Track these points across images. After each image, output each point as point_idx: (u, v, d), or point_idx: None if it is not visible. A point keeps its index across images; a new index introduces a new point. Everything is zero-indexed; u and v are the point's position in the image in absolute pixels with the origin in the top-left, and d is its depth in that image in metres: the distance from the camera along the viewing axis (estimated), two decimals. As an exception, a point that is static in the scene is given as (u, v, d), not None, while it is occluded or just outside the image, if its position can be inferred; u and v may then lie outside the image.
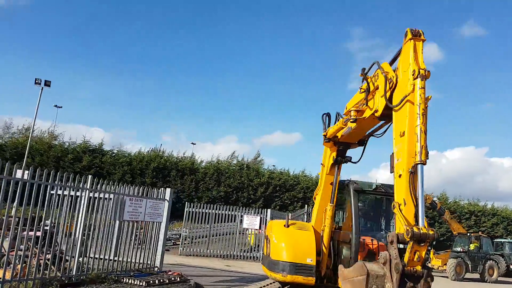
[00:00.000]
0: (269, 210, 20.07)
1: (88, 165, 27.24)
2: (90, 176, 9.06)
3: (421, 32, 4.38)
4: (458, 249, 21.10)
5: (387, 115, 4.90)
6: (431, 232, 3.90)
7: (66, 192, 8.92)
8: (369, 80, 5.19)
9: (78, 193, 8.84)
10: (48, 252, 8.09)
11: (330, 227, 6.73)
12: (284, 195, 28.78)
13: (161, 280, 9.16)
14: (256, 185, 29.27)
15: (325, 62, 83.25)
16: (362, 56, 79.87)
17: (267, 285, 8.05)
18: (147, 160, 28.40)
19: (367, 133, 6.15)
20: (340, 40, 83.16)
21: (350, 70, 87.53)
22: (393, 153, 4.52)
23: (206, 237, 18.57)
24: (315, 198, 7.55)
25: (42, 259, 7.78)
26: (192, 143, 58.92)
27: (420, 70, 4.17)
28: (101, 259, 9.63)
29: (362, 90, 5.29)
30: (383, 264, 3.99)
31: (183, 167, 28.83)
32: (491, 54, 77.39)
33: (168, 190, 11.30)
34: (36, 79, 27.42)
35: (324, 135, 6.68)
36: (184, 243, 18.10)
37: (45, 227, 8.25)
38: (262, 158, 39.39)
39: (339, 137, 6.42)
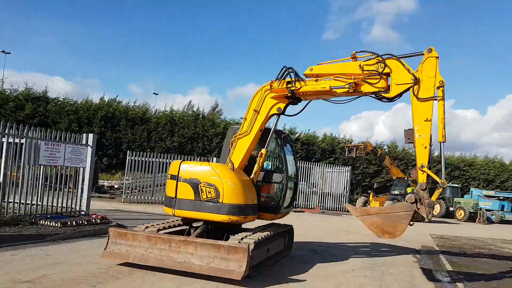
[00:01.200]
0: (214, 159, 20.33)
1: (31, 114, 26.08)
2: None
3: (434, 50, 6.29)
4: (396, 192, 22.32)
5: (388, 98, 6.59)
6: (446, 182, 6.12)
7: None
8: (376, 62, 6.45)
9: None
10: None
11: (260, 170, 7.12)
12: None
13: (79, 222, 9.23)
14: (211, 136, 29.21)
15: (300, 12, 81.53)
16: (337, 5, 78.48)
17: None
18: (94, 108, 27.50)
19: (332, 98, 7.01)
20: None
21: (324, 20, 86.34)
22: (411, 130, 6.24)
23: (150, 186, 18.68)
24: (234, 142, 7.60)
25: None
26: (154, 93, 57.22)
27: (443, 81, 6.13)
28: (27, 204, 9.57)
29: (367, 68, 6.48)
30: (412, 203, 6.03)
31: (134, 117, 28.20)
32: (461, 6, 77.95)
33: (91, 135, 11.08)
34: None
35: (288, 87, 6.84)
36: (128, 192, 18.16)
37: None
38: (221, 108, 38.97)
39: (301, 94, 6.93)
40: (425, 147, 6.06)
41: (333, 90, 6.60)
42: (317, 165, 24.37)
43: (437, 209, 27.57)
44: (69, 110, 27.04)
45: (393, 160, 32.33)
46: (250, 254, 5.50)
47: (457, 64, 79.32)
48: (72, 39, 74.91)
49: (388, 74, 6.44)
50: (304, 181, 23.43)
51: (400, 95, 6.47)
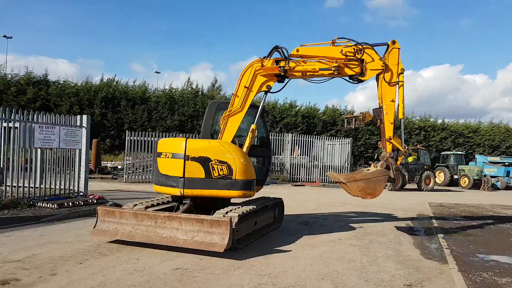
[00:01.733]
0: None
1: (33, 98, 26.27)
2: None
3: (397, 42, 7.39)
4: (397, 162, 22.30)
5: (359, 80, 7.53)
6: (406, 150, 7.58)
7: None
8: (354, 49, 7.25)
9: None
10: None
11: (250, 145, 7.25)
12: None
13: (76, 203, 9.44)
14: (211, 112, 29.25)
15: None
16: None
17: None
18: (94, 90, 27.57)
19: (313, 78, 7.61)
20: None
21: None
22: (379, 108, 7.39)
23: (151, 166, 18.89)
24: (225, 118, 7.63)
25: None
26: (156, 72, 56.80)
27: (403, 69, 7.34)
28: (25, 187, 9.80)
29: (350, 55, 7.25)
30: (385, 169, 7.30)
31: (134, 96, 28.25)
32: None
33: (84, 116, 11.17)
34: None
35: (281, 67, 7.14)
36: (129, 172, 18.42)
37: None
38: (220, 84, 38.77)
39: (291, 73, 7.34)
40: (391, 123, 7.30)
41: (321, 71, 7.27)
42: (318, 138, 24.36)
43: (440, 177, 27.62)
44: (69, 92, 27.15)
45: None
46: (234, 227, 5.65)
47: (465, 26, 77.37)
48: (73, 20, 74.47)
49: (363, 60, 7.30)
50: (305, 155, 23.50)
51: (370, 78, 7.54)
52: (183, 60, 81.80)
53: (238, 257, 5.58)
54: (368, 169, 7.56)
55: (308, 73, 7.37)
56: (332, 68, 7.18)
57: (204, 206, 6.87)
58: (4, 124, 9.10)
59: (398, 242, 7.28)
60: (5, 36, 41.20)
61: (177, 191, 6.49)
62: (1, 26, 73.57)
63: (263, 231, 7.20)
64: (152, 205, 6.82)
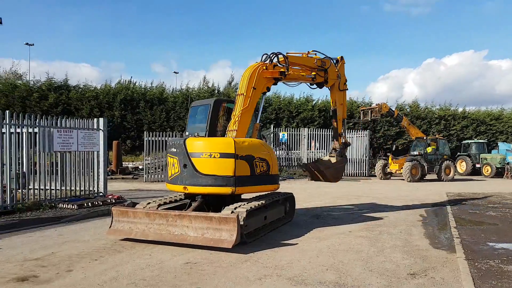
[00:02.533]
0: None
1: (54, 103, 27.10)
2: (7, 112, 9.22)
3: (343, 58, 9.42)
4: (415, 152, 22.03)
5: (320, 86, 9.05)
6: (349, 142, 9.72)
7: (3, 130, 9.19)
8: (322, 61, 8.76)
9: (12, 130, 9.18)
10: None
11: None
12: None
13: (95, 203, 9.82)
14: (228, 110, 29.50)
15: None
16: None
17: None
18: (113, 93, 28.20)
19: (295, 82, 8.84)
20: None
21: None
22: (334, 110, 9.39)
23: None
24: (238, 116, 7.84)
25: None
26: (174, 72, 57.80)
27: (346, 79, 9.48)
28: (47, 189, 10.25)
29: (320, 64, 8.71)
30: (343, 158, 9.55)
31: (151, 97, 28.75)
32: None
33: (101, 119, 11.55)
34: (-14, 18, 26.20)
35: (282, 71, 7.85)
36: (148, 172, 18.86)
37: None
38: (237, 82, 38.94)
39: (287, 77, 8.14)
40: (342, 121, 9.35)
41: (307, 77, 8.59)
42: (335, 132, 24.21)
43: (462, 167, 27.09)
44: (89, 96, 27.86)
45: (416, 119, 31.72)
46: (242, 222, 5.83)
47: (489, 10, 74.97)
48: (94, 24, 76.13)
49: (327, 71, 8.80)
50: (323, 149, 23.46)
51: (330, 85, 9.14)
52: (203, 59, 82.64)
53: (246, 251, 5.75)
54: (329, 159, 9.38)
55: (298, 78, 8.50)
56: (312, 75, 8.54)
57: (214, 202, 7.06)
58: (25, 129, 9.52)
59: (408, 233, 7.30)
60: (27, 44, 42.69)
61: (228, 190, 6.54)
62: (24, 34, 75.94)
63: (273, 225, 7.35)
64: (165, 203, 7.06)
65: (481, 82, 70.96)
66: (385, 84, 71.10)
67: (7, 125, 9.06)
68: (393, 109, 22.57)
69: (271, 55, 7.90)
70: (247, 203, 6.55)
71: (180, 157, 6.73)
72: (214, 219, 5.78)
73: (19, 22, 70.02)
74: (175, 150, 6.89)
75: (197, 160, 6.59)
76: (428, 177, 21.93)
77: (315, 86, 9.01)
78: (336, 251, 5.89)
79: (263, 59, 7.93)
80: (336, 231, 7.32)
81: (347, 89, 9.54)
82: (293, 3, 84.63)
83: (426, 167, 21.04)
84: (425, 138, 22.51)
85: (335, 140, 9.54)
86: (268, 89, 8.01)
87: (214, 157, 6.52)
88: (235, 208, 6.22)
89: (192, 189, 6.68)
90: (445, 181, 21.25)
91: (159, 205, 6.88)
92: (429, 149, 21.87)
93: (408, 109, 33.23)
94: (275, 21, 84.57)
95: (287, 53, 8.10)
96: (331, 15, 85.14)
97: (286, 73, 7.83)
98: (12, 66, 39.60)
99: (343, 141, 9.51)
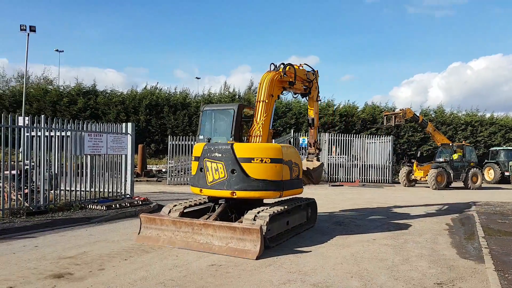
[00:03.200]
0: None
1: (83, 107, 27.97)
2: (43, 116, 9.62)
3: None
4: (441, 159, 21.60)
5: (304, 95, 9.55)
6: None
7: (34, 133, 9.63)
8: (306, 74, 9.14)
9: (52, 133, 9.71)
10: (25, 187, 9.01)
11: None
12: (276, 122, 29.26)
13: (123, 204, 10.11)
14: (248, 115, 29.76)
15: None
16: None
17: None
18: (139, 98, 28.89)
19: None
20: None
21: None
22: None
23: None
24: (263, 121, 8.01)
25: (14, 193, 8.75)
26: (196, 78, 58.98)
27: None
28: (77, 190, 10.62)
29: (308, 76, 9.21)
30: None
31: (175, 103, 29.29)
32: None
33: (129, 124, 11.89)
34: (21, 25, 27.28)
35: (290, 81, 8.30)
36: (172, 175, 19.21)
37: (25, 167, 9.24)
38: (256, 86, 39.25)
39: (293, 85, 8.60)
40: (316, 128, 9.78)
41: (302, 88, 9.13)
42: (357, 137, 24.05)
43: (490, 175, 26.34)
44: (116, 101, 28.62)
45: (441, 125, 31.07)
46: (266, 226, 5.92)
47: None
48: (119, 31, 78.16)
49: (311, 82, 9.34)
50: (344, 155, 23.31)
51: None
52: (223, 64, 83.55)
53: (269, 255, 5.82)
54: (312, 163, 9.50)
55: (296, 88, 8.79)
56: (305, 86, 9.16)
57: (237, 206, 7.16)
58: (58, 133, 9.92)
59: (434, 242, 7.22)
60: (57, 50, 44.22)
61: (277, 194, 6.81)
62: (55, 41, 78.65)
63: (295, 230, 7.40)
64: (190, 206, 7.22)
65: (510, 86, 68.87)
66: (409, 88, 70.09)
67: (43, 129, 9.47)
68: (418, 114, 22.23)
69: (281, 66, 8.29)
70: (269, 208, 6.63)
71: (228, 162, 6.65)
72: (238, 229, 5.85)
73: (50, 30, 72.87)
74: (219, 155, 6.75)
75: (248, 165, 6.61)
76: (454, 185, 21.46)
77: (297, 95, 9.56)
78: (360, 259, 5.89)
79: (271, 68, 8.31)
80: (360, 239, 7.31)
81: (320, 100, 10.39)
82: (314, 7, 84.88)
83: (452, 175, 20.60)
84: (451, 144, 22.06)
85: (311, 146, 9.81)
86: (279, 97, 8.50)
87: (265, 162, 6.65)
88: (258, 213, 6.30)
89: (241, 194, 6.61)
90: (472, 189, 20.74)
91: (185, 207, 7.05)
92: (455, 156, 21.41)
93: (433, 115, 32.59)
94: (294, 25, 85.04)
95: (289, 63, 8.51)
96: (354, 18, 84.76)
97: (294, 83, 8.38)
98: (43, 72, 41.11)
99: (317, 147, 10.01)
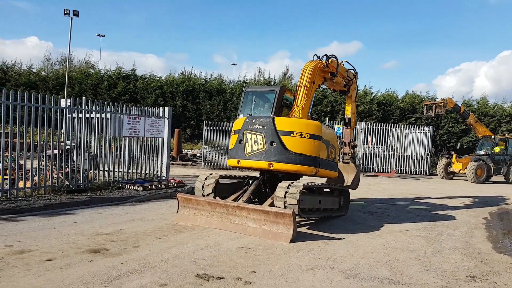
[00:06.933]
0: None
1: (122, 91, 28.86)
2: (84, 98, 10.04)
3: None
4: (481, 152, 20.70)
5: (343, 93, 9.48)
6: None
7: (75, 115, 10.11)
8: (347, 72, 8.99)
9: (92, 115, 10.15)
10: (66, 166, 9.52)
11: None
12: (312, 109, 28.93)
13: (158, 186, 10.44)
14: (284, 101, 29.63)
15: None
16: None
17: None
18: (176, 83, 29.41)
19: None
20: None
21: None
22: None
23: (225, 154, 19.84)
24: (303, 105, 8.09)
25: (55, 172, 9.25)
26: (232, 64, 59.35)
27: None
28: (115, 171, 11.07)
29: (347, 78, 9.03)
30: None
31: (211, 89, 29.61)
32: None
33: (167, 108, 12.19)
34: (65, 10, 28.28)
35: (332, 72, 8.22)
36: (206, 159, 19.57)
37: (67, 147, 9.76)
38: (292, 73, 38.86)
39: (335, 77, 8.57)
40: (352, 129, 9.64)
41: (343, 84, 9.02)
42: (395, 127, 23.41)
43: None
44: (154, 86, 29.31)
45: (484, 116, 29.67)
46: (299, 195, 6.06)
47: None
48: (160, 17, 79.55)
49: (351, 80, 9.19)
50: (380, 144, 22.81)
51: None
52: (262, 50, 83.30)
53: (299, 241, 5.87)
54: (348, 164, 9.16)
55: (336, 82, 8.69)
56: (345, 82, 9.07)
57: (272, 181, 7.20)
58: (98, 116, 10.34)
59: (470, 235, 7.00)
60: (98, 35, 45.68)
61: (313, 170, 6.74)
62: (97, 26, 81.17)
63: (327, 213, 7.46)
64: (226, 176, 7.42)
65: None
66: (454, 77, 66.98)
67: (84, 111, 9.89)
68: (459, 104, 21.32)
69: (323, 56, 8.19)
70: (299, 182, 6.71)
71: (268, 134, 6.72)
72: (271, 213, 5.90)
73: (92, 15, 75.27)
74: (259, 127, 6.83)
75: (287, 138, 6.67)
76: (494, 179, 20.55)
77: (336, 92, 9.55)
78: (391, 249, 5.82)
79: (314, 59, 8.21)
80: (392, 229, 7.20)
81: (358, 102, 10.32)
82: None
83: (492, 168, 19.72)
84: (493, 137, 21.06)
85: (345, 145, 9.46)
86: (319, 86, 8.40)
87: (305, 137, 6.68)
88: (292, 182, 6.32)
89: (278, 166, 6.66)
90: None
91: (220, 176, 7.29)
92: (496, 149, 20.44)
93: (475, 106, 31.21)
94: (336, 9, 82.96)
95: (331, 58, 8.48)
96: (400, 2, 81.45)
97: (336, 74, 8.32)
98: (85, 56, 42.63)
99: (352, 144, 9.62)
